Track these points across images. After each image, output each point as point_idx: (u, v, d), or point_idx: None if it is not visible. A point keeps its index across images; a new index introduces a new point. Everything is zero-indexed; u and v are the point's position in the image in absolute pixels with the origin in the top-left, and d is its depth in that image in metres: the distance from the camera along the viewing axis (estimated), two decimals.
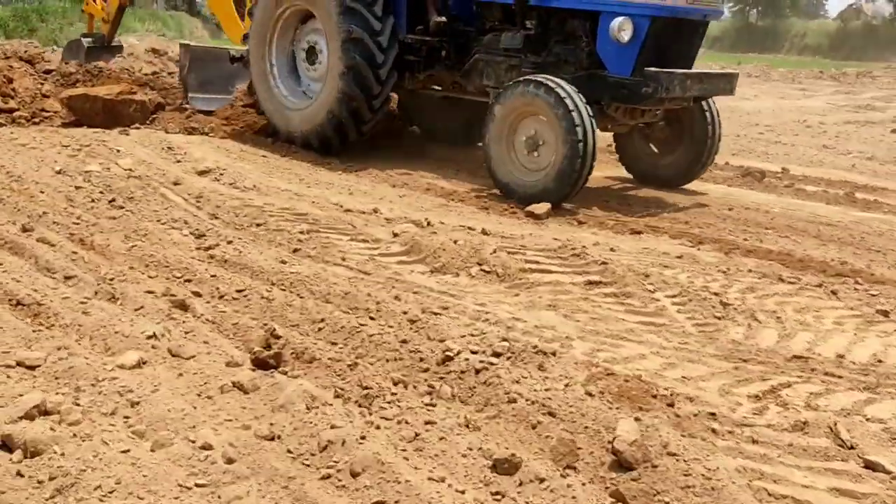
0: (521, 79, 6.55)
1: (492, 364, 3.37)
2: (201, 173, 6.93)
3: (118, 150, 7.53)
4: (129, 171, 6.73)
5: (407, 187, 7.25)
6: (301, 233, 5.40)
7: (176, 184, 6.46)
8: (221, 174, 6.93)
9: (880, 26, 49.83)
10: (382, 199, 6.65)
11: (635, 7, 6.39)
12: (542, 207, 6.32)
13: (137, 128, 8.97)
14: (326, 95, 7.92)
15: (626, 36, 6.38)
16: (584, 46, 6.86)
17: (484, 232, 5.67)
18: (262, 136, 8.81)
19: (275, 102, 8.50)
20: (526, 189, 6.60)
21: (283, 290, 4.41)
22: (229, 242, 5.14)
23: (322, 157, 8.02)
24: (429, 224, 5.78)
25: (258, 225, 5.59)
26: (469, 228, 5.77)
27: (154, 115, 9.33)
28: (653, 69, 6.32)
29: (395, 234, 5.48)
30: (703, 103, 7.22)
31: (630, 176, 8.01)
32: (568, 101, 6.17)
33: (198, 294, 4.34)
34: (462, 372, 3.38)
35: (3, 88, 9.49)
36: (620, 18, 6.37)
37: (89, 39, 13.97)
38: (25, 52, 10.68)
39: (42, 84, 9.84)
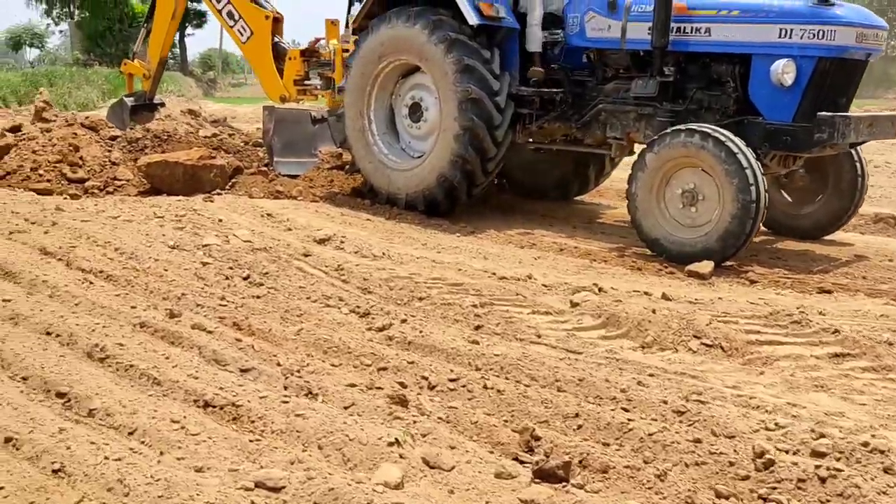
0: (681, 127, 6.09)
1: (838, 471, 2.85)
2: (321, 242, 6.44)
3: (220, 220, 7.06)
4: (248, 242, 6.25)
5: (536, 248, 6.78)
6: (474, 306, 4.90)
7: (306, 255, 5.97)
8: (342, 242, 6.44)
9: None
10: (523, 263, 6.18)
11: (798, 48, 5.98)
12: (705, 267, 5.85)
13: (219, 194, 8.52)
14: (437, 157, 7.45)
15: (789, 79, 5.96)
16: (732, 91, 6.44)
17: (665, 297, 5.18)
18: (353, 198, 8.37)
19: (374, 161, 8.04)
20: (681, 247, 6.12)
21: (499, 376, 3.91)
22: (403, 321, 4.64)
23: (428, 218, 7.55)
24: (601, 290, 5.29)
25: (420, 299, 5.09)
26: (646, 294, 5.28)
27: (233, 180, 8.88)
28: (827, 114, 5.90)
29: (575, 304, 4.98)
30: (853, 150, 6.79)
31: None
32: (741, 156, 5.72)
33: (403, 385, 3.85)
34: (799, 480, 2.86)
35: (71, 157, 9.06)
36: (783, 61, 5.96)
37: (131, 99, 13.67)
38: (87, 118, 10.22)
39: (109, 151, 9.40)
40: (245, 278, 5.47)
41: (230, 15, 15.27)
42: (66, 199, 8.20)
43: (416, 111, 7.88)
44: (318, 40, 15.85)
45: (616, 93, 7.08)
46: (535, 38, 7.42)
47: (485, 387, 3.74)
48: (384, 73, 7.94)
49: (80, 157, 9.12)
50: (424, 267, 5.85)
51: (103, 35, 49.09)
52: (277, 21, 15.29)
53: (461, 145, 7.22)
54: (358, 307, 4.93)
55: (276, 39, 15.51)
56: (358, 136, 8.13)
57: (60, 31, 59.15)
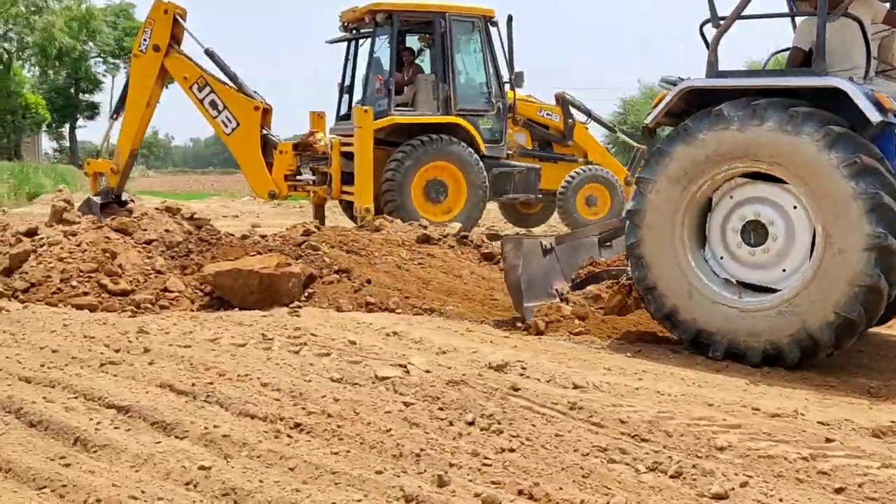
0: None
1: None
2: (498, 369, 5.46)
3: (353, 343, 5.99)
4: (427, 372, 5.22)
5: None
6: (804, 459, 4.02)
7: (515, 389, 4.98)
8: (524, 369, 5.47)
9: None
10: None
11: None
12: None
13: (299, 307, 7.43)
14: (820, 289, 5.70)
15: None
16: None
17: None
18: (473, 307, 7.45)
19: (697, 298, 6.15)
20: None
21: None
22: (743, 485, 3.72)
23: (570, 335, 6.64)
24: None
25: (720, 448, 4.17)
26: None
27: (307, 290, 7.79)
28: None
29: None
30: None
31: None
32: None
33: None
34: None
35: (108, 266, 7.82)
36: None
37: (98, 198, 12.45)
38: (113, 218, 8.96)
39: (150, 258, 8.18)
40: (470, 423, 4.45)
41: (213, 104, 14.29)
42: (123, 316, 6.95)
43: (754, 232, 6.11)
44: (312, 133, 15.01)
45: None
46: None
47: None
48: (707, 185, 6.17)
49: (119, 266, 7.88)
50: (663, 402, 4.94)
51: None
52: (266, 112, 14.37)
53: (867, 268, 5.56)
54: (657, 462, 3.98)
55: (265, 132, 14.62)
56: (670, 266, 6.26)
57: None
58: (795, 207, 5.91)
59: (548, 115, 16.01)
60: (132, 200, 13.16)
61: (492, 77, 14.90)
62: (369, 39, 15.19)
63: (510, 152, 15.38)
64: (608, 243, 7.83)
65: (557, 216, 16.32)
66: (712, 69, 6.16)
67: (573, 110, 16.22)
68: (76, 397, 4.80)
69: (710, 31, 6.32)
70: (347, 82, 15.96)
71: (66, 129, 62.60)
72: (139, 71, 13.78)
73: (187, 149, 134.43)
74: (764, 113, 5.81)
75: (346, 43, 15.88)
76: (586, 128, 16.49)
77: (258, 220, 18.10)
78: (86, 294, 7.46)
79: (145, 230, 8.69)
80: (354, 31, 15.58)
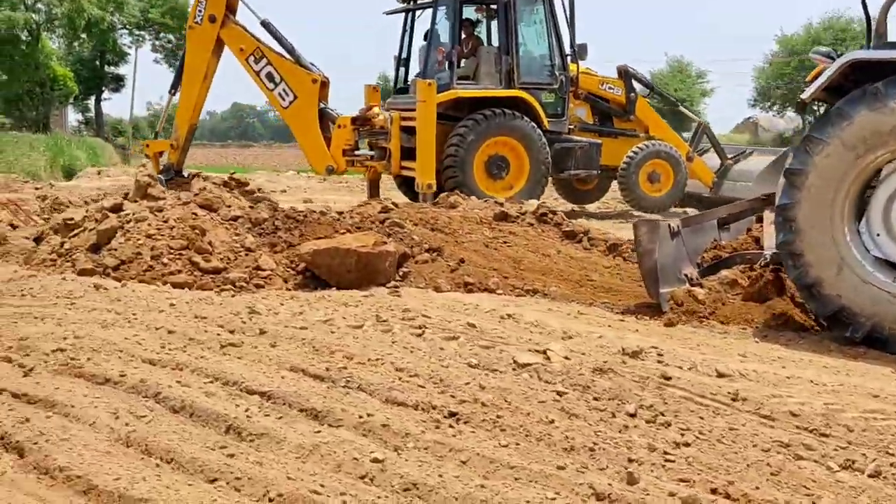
0: None
1: None
2: (634, 355, 5.26)
3: (472, 325, 5.81)
4: (566, 358, 5.03)
5: None
6: None
7: (665, 378, 4.78)
8: (660, 356, 5.26)
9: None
10: None
11: None
12: None
13: (397, 286, 7.25)
14: None
15: None
16: None
17: None
18: (573, 288, 7.23)
19: (846, 274, 5.83)
20: None
21: None
22: None
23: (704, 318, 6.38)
24: None
25: None
26: None
27: (401, 269, 7.61)
28: None
29: None
30: None
31: None
32: None
33: None
34: None
35: (199, 243, 7.66)
36: None
37: (161, 178, 12.32)
38: (196, 194, 8.81)
39: (238, 235, 8.02)
40: (632, 415, 4.27)
41: (270, 77, 14.08)
42: (225, 296, 6.80)
43: None
44: (371, 107, 14.79)
45: None
46: None
47: None
48: (883, 157, 5.76)
49: (209, 243, 7.72)
50: (822, 392, 4.73)
51: (22, 99, 46.93)
52: (324, 85, 14.15)
53: None
54: (850, 461, 3.79)
55: (322, 105, 14.41)
56: (818, 231, 5.95)
57: None
58: None
59: (609, 88, 15.69)
60: (196, 176, 13.02)
61: (554, 49, 14.62)
62: (428, 11, 14.93)
63: (571, 127, 15.11)
64: (727, 226, 7.56)
65: (618, 193, 16.03)
66: (880, 40, 5.84)
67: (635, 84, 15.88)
68: (211, 381, 4.64)
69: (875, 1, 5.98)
70: (404, 55, 15.72)
71: (91, 101, 62.57)
72: (195, 43, 13.62)
73: (203, 122, 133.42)
74: None
75: (402, 14, 15.61)
76: (647, 102, 16.15)
77: (307, 196, 17.94)
78: (179, 272, 7.31)
79: (229, 206, 8.52)
80: (413, 2, 15.30)
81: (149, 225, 7.90)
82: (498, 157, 14.00)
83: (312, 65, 14.51)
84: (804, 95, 6.22)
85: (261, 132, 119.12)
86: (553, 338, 5.64)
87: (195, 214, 8.08)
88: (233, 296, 6.80)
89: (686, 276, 6.94)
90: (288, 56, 14.28)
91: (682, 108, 18.06)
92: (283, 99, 14.27)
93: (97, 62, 60.92)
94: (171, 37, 52.93)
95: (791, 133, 43.82)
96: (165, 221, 7.94)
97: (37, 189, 16.39)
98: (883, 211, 5.83)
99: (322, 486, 3.44)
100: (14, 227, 9.56)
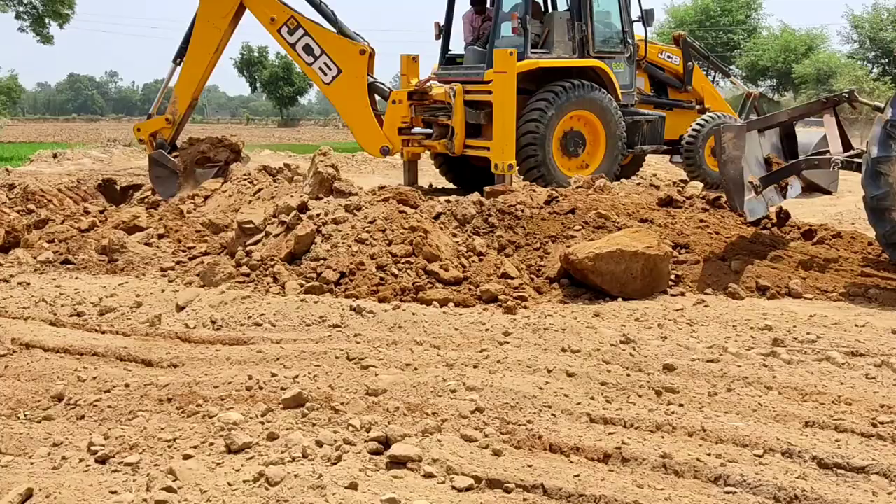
0: None
1: None
2: None
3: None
4: None
5: None
6: None
7: None
8: None
9: None
10: None
11: None
12: None
13: (682, 293, 6.27)
14: None
15: None
16: None
17: None
18: None
19: None
20: None
21: None
22: None
23: None
24: None
25: None
26: None
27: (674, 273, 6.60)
28: None
29: None
30: None
31: None
32: None
33: None
34: None
35: (426, 248, 6.44)
36: None
37: (165, 153, 11.07)
38: (396, 189, 7.46)
39: (455, 235, 6.82)
40: None
41: (308, 50, 12.64)
42: (510, 312, 5.65)
43: None
44: (428, 80, 13.50)
45: None
46: None
47: None
48: None
49: (437, 247, 6.49)
50: None
51: None
52: (371, 57, 12.83)
53: None
54: None
55: (371, 79, 13.06)
56: None
57: None
58: None
59: (668, 57, 14.93)
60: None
61: (624, 14, 13.69)
62: None
63: (636, 100, 14.27)
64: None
65: (684, 170, 15.28)
66: None
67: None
68: (743, 447, 3.58)
69: None
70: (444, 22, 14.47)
71: None
72: (209, 8, 11.98)
73: (36, 94, 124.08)
74: None
75: None
76: (703, 72, 15.48)
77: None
78: (421, 286, 6.09)
79: (429, 201, 7.27)
80: None
81: (352, 227, 6.61)
82: (574, 133, 12.99)
83: (357, 34, 13.13)
84: None
85: (100, 105, 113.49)
86: None
87: (403, 212, 6.82)
88: (506, 314, 5.65)
89: (751, 183, 6.79)
90: (328, 25, 12.88)
91: (733, 80, 17.48)
92: (325, 74, 12.85)
93: None
94: (35, 1, 49.31)
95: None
96: (371, 222, 6.66)
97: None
98: None
99: None
100: None
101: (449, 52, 14.47)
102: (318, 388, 4.28)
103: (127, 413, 4.21)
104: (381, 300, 5.94)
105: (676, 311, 5.80)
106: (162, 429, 3.95)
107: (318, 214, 6.70)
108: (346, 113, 13.39)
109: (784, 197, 7.35)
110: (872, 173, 6.14)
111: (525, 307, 5.92)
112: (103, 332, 5.53)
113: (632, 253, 6.13)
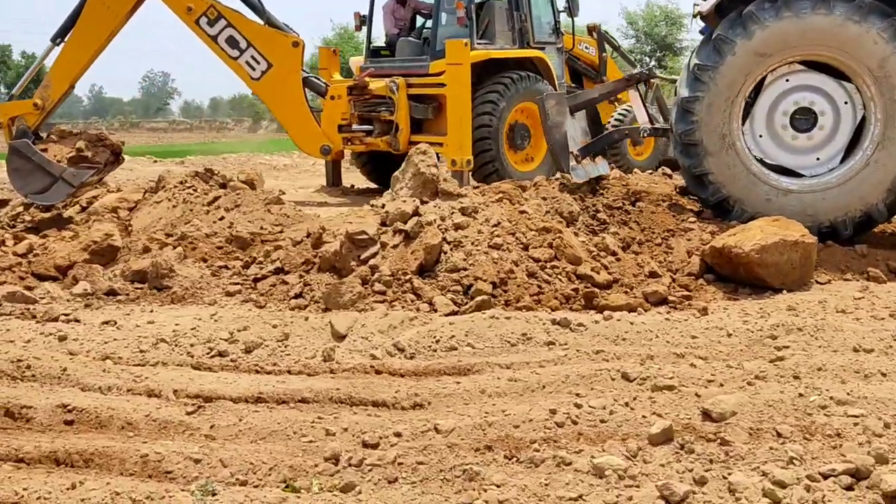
0: None
1: None
2: None
3: None
4: None
5: None
6: None
7: None
8: None
9: None
10: None
11: None
12: None
13: (818, 283, 6.14)
14: (868, 176, 6.80)
15: None
16: None
17: None
18: None
19: (741, 178, 7.01)
20: None
21: None
22: None
23: None
24: None
25: None
26: None
27: None
28: None
29: None
30: None
31: None
32: None
33: None
34: None
35: (568, 250, 5.97)
36: None
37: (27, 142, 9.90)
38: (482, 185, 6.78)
39: (576, 233, 6.34)
40: None
41: (232, 42, 11.74)
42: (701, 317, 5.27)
43: (803, 119, 6.95)
44: (367, 73, 12.70)
45: None
46: None
47: None
48: (758, 73, 6.88)
49: (572, 246, 6.00)
50: None
51: None
52: (303, 49, 11.97)
53: None
54: None
55: (305, 73, 12.22)
56: (718, 150, 6.94)
57: None
58: (846, 103, 6.79)
59: (585, 47, 14.94)
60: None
61: (553, 4, 13.58)
62: None
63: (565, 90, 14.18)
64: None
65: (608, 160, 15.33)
66: None
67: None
68: None
69: None
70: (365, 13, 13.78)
71: None
72: None
73: None
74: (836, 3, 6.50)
75: None
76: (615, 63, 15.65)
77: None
78: (588, 294, 5.58)
79: (537, 198, 6.71)
80: None
81: (478, 232, 5.97)
82: (520, 126, 12.72)
83: (286, 26, 12.21)
84: (702, 7, 7.17)
85: None
86: None
87: (524, 212, 6.25)
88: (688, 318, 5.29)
89: (572, 153, 7.60)
90: (254, 16, 11.92)
91: (656, 72, 17.76)
92: (254, 69, 11.94)
93: None
94: None
95: None
96: (496, 225, 6.06)
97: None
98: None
99: None
100: None
101: (373, 45, 13.79)
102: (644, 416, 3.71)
103: (449, 469, 3.46)
104: (553, 309, 5.38)
105: (856, 299, 5.64)
106: (546, 484, 3.26)
107: (435, 220, 5.99)
108: (279, 110, 12.46)
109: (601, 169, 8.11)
110: (682, 112, 6.94)
111: (704, 308, 5.54)
112: (279, 374, 4.62)
113: (792, 242, 5.91)
